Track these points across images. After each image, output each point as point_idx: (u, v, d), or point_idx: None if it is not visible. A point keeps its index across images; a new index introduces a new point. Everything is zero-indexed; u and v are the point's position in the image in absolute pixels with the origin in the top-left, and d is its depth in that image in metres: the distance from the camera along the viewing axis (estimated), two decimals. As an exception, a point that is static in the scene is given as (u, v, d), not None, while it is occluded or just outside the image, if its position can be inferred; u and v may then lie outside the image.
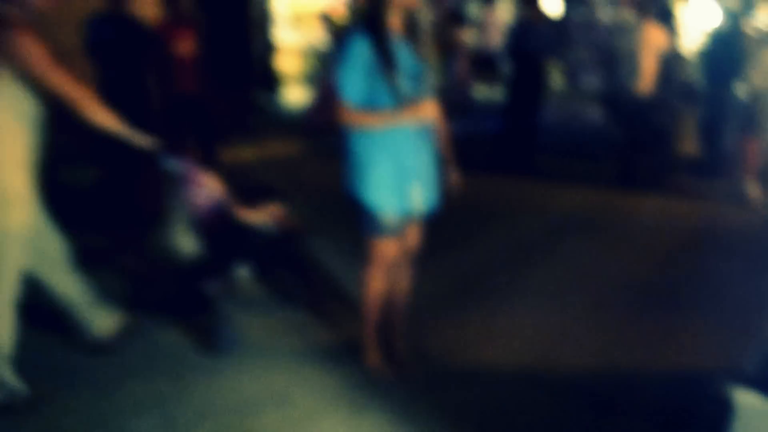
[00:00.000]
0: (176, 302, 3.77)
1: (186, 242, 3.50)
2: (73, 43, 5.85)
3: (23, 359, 3.00)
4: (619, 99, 6.30)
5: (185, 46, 5.49)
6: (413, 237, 3.08)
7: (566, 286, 4.37)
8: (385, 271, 3.04)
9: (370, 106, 2.74)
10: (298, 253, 3.98)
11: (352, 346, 3.34)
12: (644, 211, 6.08)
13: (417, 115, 2.73)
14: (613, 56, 6.48)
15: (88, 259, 3.41)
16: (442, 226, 3.44)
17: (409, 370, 3.21)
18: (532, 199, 6.30)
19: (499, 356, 3.47)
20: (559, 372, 3.36)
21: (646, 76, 6.14)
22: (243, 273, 3.57)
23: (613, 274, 4.61)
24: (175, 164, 3.45)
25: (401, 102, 2.72)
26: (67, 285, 3.18)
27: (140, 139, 3.06)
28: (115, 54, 5.45)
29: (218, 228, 3.48)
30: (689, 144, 7.20)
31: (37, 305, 3.22)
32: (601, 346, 3.63)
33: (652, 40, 6.14)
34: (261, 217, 3.53)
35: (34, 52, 2.66)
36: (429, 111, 2.75)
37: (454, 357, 3.43)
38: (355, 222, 3.00)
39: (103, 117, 2.90)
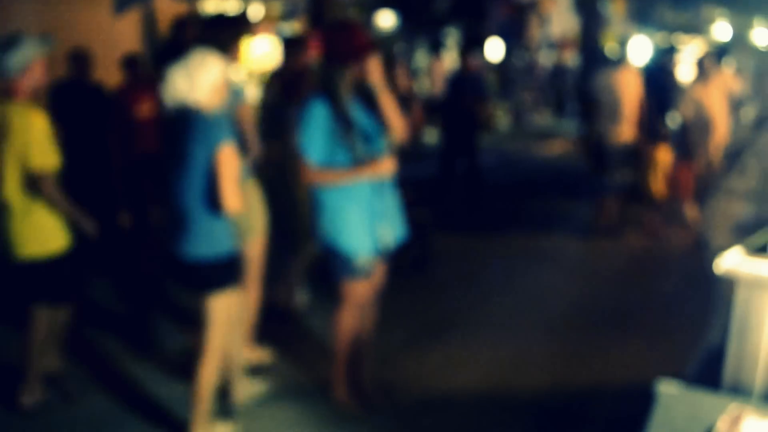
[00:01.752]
0: None
1: None
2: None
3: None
4: (603, 147, 6.22)
5: (146, 108, 5.69)
6: (380, 275, 3.30)
7: (520, 314, 4.62)
8: (358, 311, 3.25)
9: (330, 164, 3.02)
10: None
11: (319, 384, 3.49)
12: (590, 239, 6.41)
13: (373, 172, 3.01)
14: (592, 103, 6.42)
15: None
16: (397, 264, 3.64)
17: (376, 401, 3.39)
18: (484, 237, 6.56)
19: (460, 383, 3.68)
20: (517, 393, 3.58)
21: (631, 121, 6.13)
22: None
23: (563, 299, 4.89)
24: None
25: (358, 161, 3.01)
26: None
27: None
28: (75, 119, 5.66)
29: None
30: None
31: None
32: (557, 366, 3.87)
33: (631, 85, 6.17)
34: None
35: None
36: (385, 168, 3.03)
37: (416, 387, 3.62)
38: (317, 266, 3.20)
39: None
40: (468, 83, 7.30)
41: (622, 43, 6.57)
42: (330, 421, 3.28)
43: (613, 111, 6.11)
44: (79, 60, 5.80)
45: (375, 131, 3.05)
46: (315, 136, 2.97)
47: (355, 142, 2.98)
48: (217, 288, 2.84)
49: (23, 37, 3.00)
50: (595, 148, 6.35)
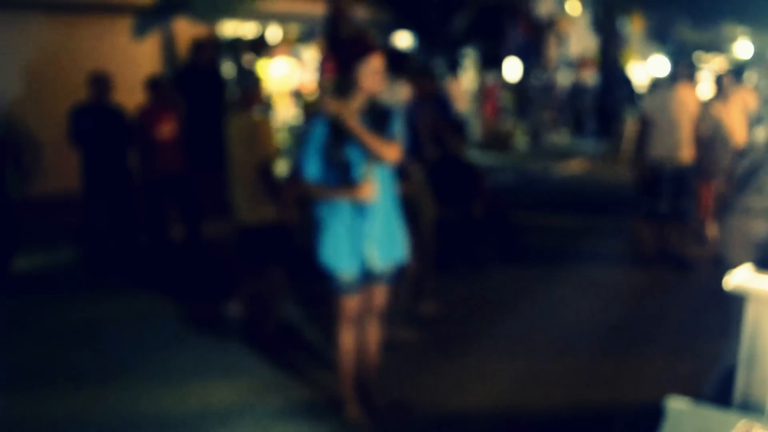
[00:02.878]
0: None
1: None
2: (58, 132, 6.16)
3: None
4: (661, 172, 5.80)
5: (167, 128, 5.81)
6: (379, 296, 3.31)
7: (535, 332, 4.58)
8: (353, 326, 3.27)
9: (323, 181, 3.11)
10: None
11: (332, 402, 3.49)
12: (606, 256, 6.36)
13: (350, 194, 3.06)
14: (647, 123, 5.91)
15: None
16: (411, 281, 3.66)
17: (387, 420, 3.37)
18: (500, 255, 6.47)
19: (474, 401, 3.64)
20: (533, 411, 3.55)
21: (689, 143, 5.76)
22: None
23: (579, 318, 4.84)
24: None
25: (346, 181, 3.08)
26: None
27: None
28: (95, 141, 5.80)
29: None
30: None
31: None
32: (572, 384, 3.82)
33: (689, 103, 5.75)
34: None
35: None
36: (363, 192, 3.06)
37: (430, 405, 3.59)
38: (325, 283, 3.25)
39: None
40: (436, 105, 7.30)
41: (675, 60, 6.21)
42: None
43: (671, 133, 5.70)
44: (100, 83, 5.93)
45: (360, 156, 3.08)
46: (311, 153, 3.08)
47: (341, 163, 3.06)
48: None
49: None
50: (651, 172, 5.84)
